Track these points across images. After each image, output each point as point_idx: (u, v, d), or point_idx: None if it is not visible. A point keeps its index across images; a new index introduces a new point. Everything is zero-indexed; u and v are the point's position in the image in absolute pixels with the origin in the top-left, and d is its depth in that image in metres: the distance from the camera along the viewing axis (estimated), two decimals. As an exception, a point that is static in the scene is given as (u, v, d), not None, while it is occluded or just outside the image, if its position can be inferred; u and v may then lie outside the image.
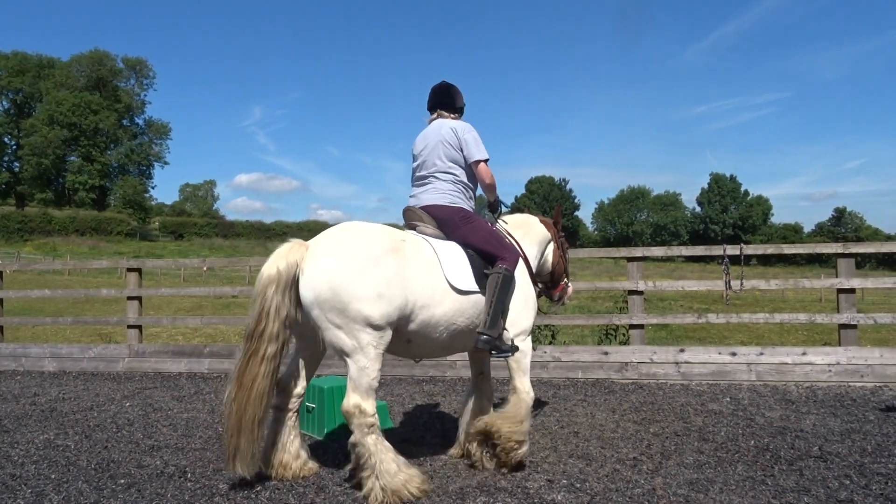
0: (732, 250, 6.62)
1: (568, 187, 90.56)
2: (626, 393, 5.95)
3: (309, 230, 77.65)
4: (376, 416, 3.31)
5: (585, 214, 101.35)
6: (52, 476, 3.82)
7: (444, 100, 4.19)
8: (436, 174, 3.96)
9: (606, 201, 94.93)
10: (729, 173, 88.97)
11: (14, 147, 71.10)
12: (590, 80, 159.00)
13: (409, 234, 3.72)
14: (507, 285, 3.68)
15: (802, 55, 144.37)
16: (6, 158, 71.44)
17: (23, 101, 71.38)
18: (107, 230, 59.77)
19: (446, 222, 3.86)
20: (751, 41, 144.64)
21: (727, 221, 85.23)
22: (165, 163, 77.51)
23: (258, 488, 3.53)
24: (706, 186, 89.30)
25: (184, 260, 13.33)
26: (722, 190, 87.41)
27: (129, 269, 7.98)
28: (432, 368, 6.90)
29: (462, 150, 3.96)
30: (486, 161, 3.99)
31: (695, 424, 4.78)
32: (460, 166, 3.99)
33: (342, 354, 3.30)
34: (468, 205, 4.00)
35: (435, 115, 4.19)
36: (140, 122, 75.72)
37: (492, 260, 3.77)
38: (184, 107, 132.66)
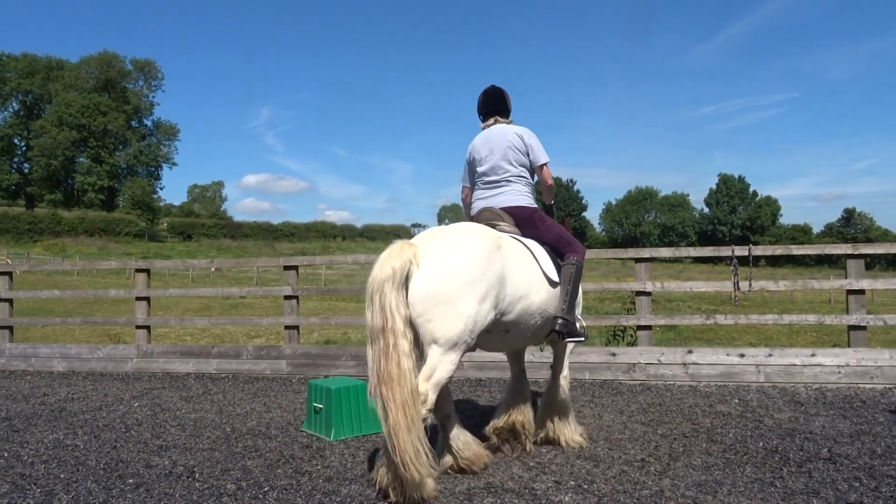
0: (741, 251, 6.57)
1: (575, 188, 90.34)
2: (633, 394, 5.94)
3: (317, 231, 78.16)
4: (432, 413, 3.41)
5: (593, 215, 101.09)
6: (62, 476, 3.84)
7: (500, 105, 4.44)
8: (510, 178, 4.23)
9: (614, 202, 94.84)
10: (737, 174, 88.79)
11: (24, 148, 71.72)
12: (597, 80, 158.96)
13: (501, 233, 3.93)
14: (580, 275, 4.13)
15: (811, 55, 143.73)
16: (16, 160, 72.11)
17: (32, 102, 71.98)
18: (115, 231, 60.19)
19: (525, 222, 4.19)
20: (759, 41, 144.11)
21: (735, 222, 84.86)
22: (174, 164, 77.99)
23: (266, 488, 3.54)
24: (714, 187, 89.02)
25: (192, 261, 13.37)
26: (730, 190, 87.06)
27: (138, 270, 8.03)
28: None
29: (528, 155, 4.28)
30: (548, 164, 4.34)
31: (703, 426, 4.76)
32: (528, 170, 4.31)
33: (434, 344, 3.37)
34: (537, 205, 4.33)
35: (492, 121, 4.40)
36: (148, 123, 76.37)
37: (561, 254, 4.15)
38: (192, 108, 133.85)
